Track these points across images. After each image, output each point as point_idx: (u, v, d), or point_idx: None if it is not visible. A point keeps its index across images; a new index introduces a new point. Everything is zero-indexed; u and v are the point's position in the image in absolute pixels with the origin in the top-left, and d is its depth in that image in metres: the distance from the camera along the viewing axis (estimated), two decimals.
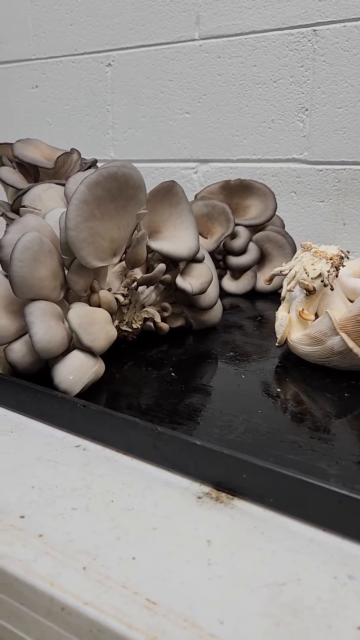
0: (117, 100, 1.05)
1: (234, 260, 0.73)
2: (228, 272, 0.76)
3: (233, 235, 0.74)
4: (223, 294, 0.75)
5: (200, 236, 0.75)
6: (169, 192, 0.51)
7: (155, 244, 0.50)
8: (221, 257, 0.75)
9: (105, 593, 0.24)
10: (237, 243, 0.73)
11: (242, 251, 0.73)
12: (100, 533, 0.28)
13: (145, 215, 0.48)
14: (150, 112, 1.02)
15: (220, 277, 0.76)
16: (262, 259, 0.75)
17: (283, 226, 0.80)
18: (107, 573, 0.25)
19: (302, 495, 0.29)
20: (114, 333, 0.45)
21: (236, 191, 0.79)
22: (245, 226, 0.75)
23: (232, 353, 0.52)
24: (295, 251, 0.75)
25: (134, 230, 0.48)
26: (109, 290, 0.48)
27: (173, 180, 0.51)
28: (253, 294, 0.75)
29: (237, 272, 0.74)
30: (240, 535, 0.28)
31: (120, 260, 0.49)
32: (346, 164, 0.86)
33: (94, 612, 0.23)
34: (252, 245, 0.74)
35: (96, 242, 0.44)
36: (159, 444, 0.34)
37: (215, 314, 0.58)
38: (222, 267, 0.76)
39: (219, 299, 0.58)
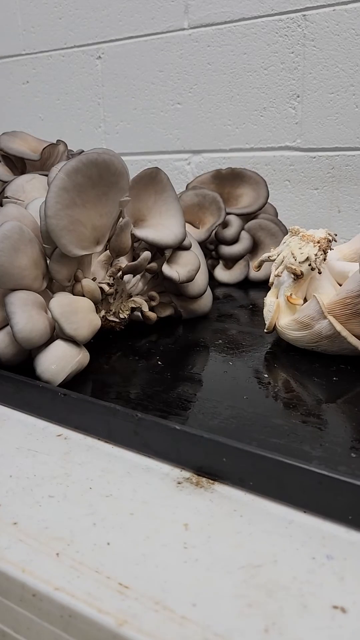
0: (108, 93, 1.05)
1: (226, 250, 0.73)
2: (220, 261, 0.75)
3: (225, 225, 0.73)
4: (216, 283, 0.74)
5: (191, 226, 0.75)
6: (153, 179, 0.51)
7: (140, 232, 0.49)
8: (213, 246, 0.74)
9: (78, 578, 0.24)
10: (229, 232, 0.72)
11: (234, 240, 0.73)
12: (76, 519, 0.28)
13: (128, 203, 0.47)
14: (142, 104, 1.01)
15: (212, 267, 0.75)
16: (254, 248, 0.74)
17: (276, 214, 0.79)
18: (81, 559, 0.25)
19: (282, 477, 0.29)
20: (97, 322, 0.44)
21: (228, 180, 0.78)
22: (237, 215, 0.74)
23: (221, 341, 0.52)
24: None
25: (117, 218, 0.47)
26: (94, 279, 0.48)
27: (157, 167, 0.51)
28: (246, 283, 0.74)
29: (230, 262, 0.74)
30: (219, 518, 0.28)
31: (105, 249, 0.48)
32: (340, 149, 0.85)
33: (64, 597, 0.23)
34: (244, 234, 0.73)
35: (77, 230, 0.43)
36: (139, 430, 0.33)
37: (205, 302, 0.57)
38: (215, 256, 0.75)
39: (208, 288, 0.57)
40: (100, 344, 0.50)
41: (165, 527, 0.27)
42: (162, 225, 0.51)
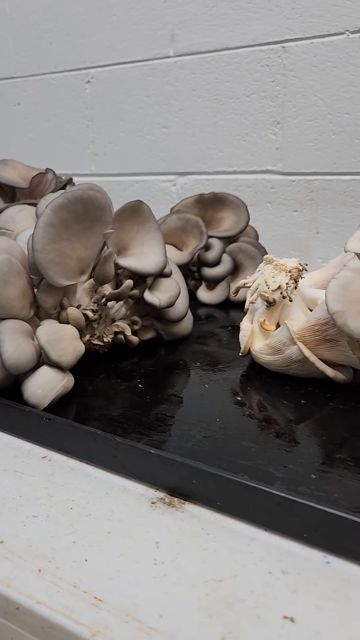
0: (96, 116, 1.08)
1: (208, 272, 0.76)
2: (203, 283, 0.78)
3: (207, 247, 0.77)
4: (198, 304, 0.77)
5: (175, 248, 0.78)
6: (135, 211, 0.54)
7: (123, 261, 0.52)
8: (196, 268, 0.78)
9: (57, 593, 0.26)
10: (211, 255, 0.76)
11: (216, 262, 0.76)
12: (58, 538, 0.30)
13: (112, 234, 0.50)
14: (129, 127, 1.05)
15: (195, 288, 0.78)
16: (235, 270, 0.77)
17: (257, 237, 0.82)
18: (61, 574, 0.28)
19: (246, 498, 0.32)
20: (81, 348, 0.47)
21: (210, 204, 0.81)
22: (219, 238, 0.77)
23: (199, 363, 0.55)
24: None
25: (101, 249, 0.50)
26: (79, 306, 0.50)
27: (139, 200, 0.54)
28: (227, 304, 0.77)
29: (212, 283, 0.77)
30: (187, 536, 0.30)
31: (89, 278, 0.51)
32: (318, 174, 0.89)
33: (45, 611, 0.25)
34: (225, 257, 0.76)
35: (63, 262, 0.46)
36: (117, 453, 0.36)
37: (186, 325, 0.60)
38: (197, 278, 0.78)
39: (189, 311, 0.60)
40: (84, 366, 0.53)
41: (138, 545, 0.30)
42: (144, 254, 0.54)
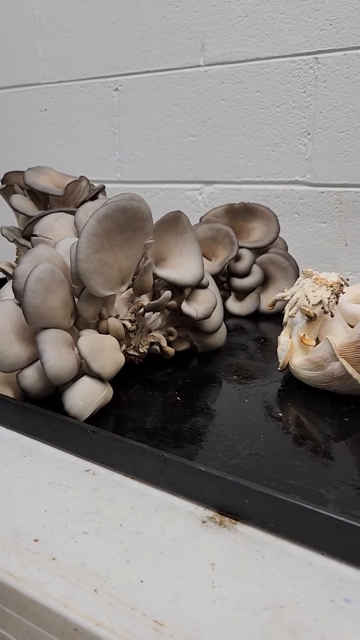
0: (124, 123, 1.08)
1: (238, 282, 0.75)
2: (232, 293, 0.77)
3: (237, 258, 0.76)
4: (227, 315, 0.76)
5: (205, 258, 0.78)
6: (175, 222, 0.53)
7: (162, 272, 0.52)
8: (225, 279, 0.77)
9: (116, 614, 0.26)
10: (241, 265, 0.75)
11: (246, 273, 0.75)
12: (111, 556, 0.30)
13: (152, 245, 0.50)
14: (156, 135, 1.05)
15: (224, 299, 0.78)
16: (265, 281, 0.77)
17: (286, 248, 0.82)
18: (117, 595, 0.27)
19: (301, 520, 0.31)
20: (122, 359, 0.46)
21: (240, 214, 0.81)
22: (249, 249, 0.77)
23: (235, 376, 0.54)
24: (298, 273, 0.77)
25: (141, 259, 0.50)
26: (117, 316, 0.50)
27: (179, 211, 0.54)
28: (257, 315, 0.76)
29: (241, 294, 0.76)
30: (243, 559, 0.30)
31: (128, 288, 0.51)
32: (347, 186, 0.88)
33: (105, 633, 0.25)
34: (255, 268, 0.75)
35: (105, 272, 0.46)
36: (165, 469, 0.36)
37: (220, 337, 0.60)
38: (227, 288, 0.77)
39: (223, 323, 0.60)
40: (119, 376, 0.52)
41: (194, 566, 0.29)
42: (181, 265, 0.54)
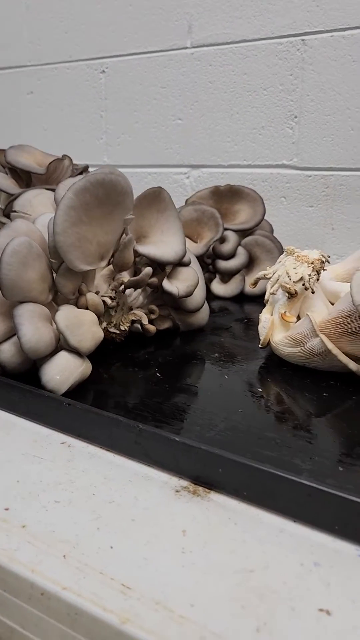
0: (110, 106, 1.07)
1: (223, 264, 0.75)
2: (217, 275, 0.77)
3: (222, 240, 0.76)
4: (212, 297, 0.76)
5: (190, 240, 0.77)
6: (156, 198, 0.53)
7: (143, 249, 0.51)
8: (210, 261, 0.77)
9: (83, 579, 0.26)
10: (226, 247, 0.75)
11: (231, 255, 0.75)
12: (81, 524, 0.29)
13: (132, 221, 0.50)
14: (143, 118, 1.04)
15: (209, 281, 0.77)
16: (250, 263, 0.76)
17: (272, 231, 0.81)
18: (86, 561, 0.27)
19: (274, 488, 0.31)
20: (100, 334, 0.46)
21: (225, 196, 0.80)
22: (234, 231, 0.76)
23: (217, 354, 0.54)
24: None
25: (121, 235, 0.49)
26: (97, 293, 0.49)
27: (160, 187, 0.53)
28: (241, 297, 0.76)
29: (226, 276, 0.76)
30: (215, 526, 0.29)
31: (108, 264, 0.50)
32: (334, 170, 0.88)
33: (71, 597, 0.25)
34: (240, 250, 0.75)
35: (83, 247, 0.45)
36: (140, 441, 0.35)
37: (202, 316, 0.59)
38: (212, 270, 0.77)
39: (205, 302, 0.60)
40: (100, 354, 0.52)
41: (165, 533, 0.29)
42: (163, 242, 0.53)
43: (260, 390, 0.45)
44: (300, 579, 0.26)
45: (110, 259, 0.49)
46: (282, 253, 0.77)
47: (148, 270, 0.51)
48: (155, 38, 0.99)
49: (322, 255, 0.51)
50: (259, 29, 0.89)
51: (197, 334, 0.60)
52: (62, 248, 0.43)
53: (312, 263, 0.50)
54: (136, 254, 0.52)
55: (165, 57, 0.99)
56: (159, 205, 0.54)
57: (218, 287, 0.76)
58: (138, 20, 1.00)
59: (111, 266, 0.51)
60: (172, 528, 0.29)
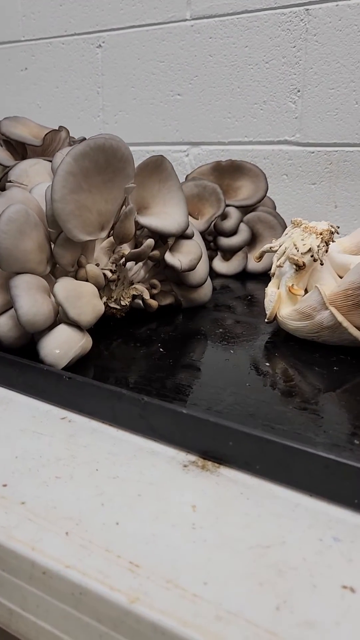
0: (107, 82, 1.04)
1: (225, 241, 0.73)
2: (219, 253, 0.75)
3: (224, 216, 0.73)
4: (214, 274, 0.74)
5: (190, 217, 0.75)
6: (157, 167, 0.51)
7: (144, 220, 0.49)
8: (212, 237, 0.74)
9: (88, 557, 0.24)
10: (228, 224, 0.73)
11: (233, 232, 0.73)
12: (84, 500, 0.28)
13: (133, 190, 0.47)
14: (141, 94, 1.01)
15: (211, 258, 0.75)
16: (253, 240, 0.74)
17: (274, 208, 0.79)
18: (90, 538, 0.25)
19: (288, 461, 0.29)
20: (101, 307, 0.44)
21: (227, 172, 0.78)
22: (236, 207, 0.74)
23: (221, 330, 0.52)
24: None
25: (122, 205, 0.47)
26: (97, 265, 0.47)
27: (161, 155, 0.51)
28: (244, 275, 0.74)
29: (228, 253, 0.74)
30: (226, 500, 0.28)
31: (109, 236, 0.48)
32: (338, 145, 0.85)
33: (76, 575, 0.23)
34: (242, 226, 0.73)
35: (83, 215, 0.43)
36: (145, 414, 0.34)
37: (205, 292, 0.57)
38: (213, 248, 0.75)
39: (208, 278, 0.58)
40: (101, 330, 0.50)
41: (173, 508, 0.27)
42: (165, 214, 0.51)
43: (267, 365, 0.44)
44: (321, 555, 0.24)
45: (110, 230, 0.47)
46: (285, 229, 0.75)
47: (150, 242, 0.49)
48: (154, 10, 0.96)
49: (331, 226, 0.49)
50: None
51: (200, 310, 0.58)
52: (61, 216, 0.41)
53: (320, 234, 0.48)
54: (137, 225, 0.50)
55: (163, 29, 0.96)
56: (160, 175, 0.51)
57: (220, 265, 0.74)
58: None
59: (111, 238, 0.48)
60: (181, 503, 0.27)
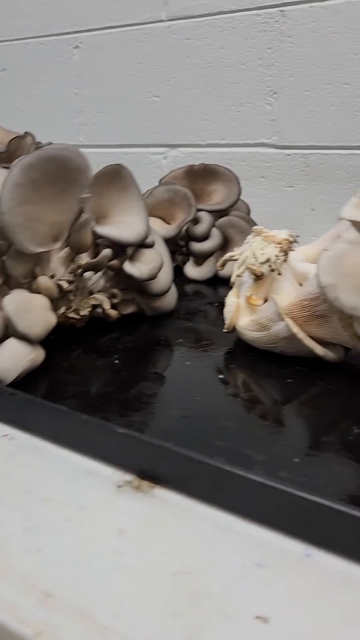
0: (85, 83, 1.03)
1: (197, 246, 0.72)
2: (191, 258, 0.74)
3: (196, 221, 0.73)
4: (185, 280, 0.74)
5: (163, 221, 0.74)
6: (115, 176, 0.50)
7: (102, 229, 0.49)
8: (184, 243, 0.74)
9: (1, 585, 0.24)
10: (200, 229, 0.72)
11: (205, 237, 0.72)
12: (9, 524, 0.27)
13: (89, 200, 0.47)
14: (119, 95, 1.00)
15: (183, 263, 0.75)
16: (225, 245, 0.74)
17: (248, 212, 0.79)
18: (8, 565, 0.25)
19: (222, 483, 0.29)
20: (52, 320, 0.44)
21: (200, 176, 0.78)
22: (209, 211, 0.73)
23: (182, 339, 0.51)
24: None
25: (78, 215, 0.47)
26: (53, 276, 0.47)
27: (120, 164, 0.50)
28: (216, 280, 0.74)
29: (200, 258, 0.73)
30: (155, 524, 0.27)
31: (65, 246, 0.48)
32: (314, 148, 0.85)
33: None
34: (214, 231, 0.73)
35: (34, 227, 0.42)
36: (84, 433, 0.33)
37: (169, 300, 0.57)
38: (185, 253, 0.75)
39: (173, 285, 0.57)
40: (60, 340, 0.50)
41: (100, 533, 0.27)
42: (124, 223, 0.51)
43: (222, 377, 0.43)
44: (240, 582, 0.24)
45: (66, 241, 0.47)
46: None
47: (106, 252, 0.48)
48: (130, 10, 0.95)
49: (290, 235, 0.48)
50: (237, 0, 0.86)
51: (165, 318, 0.58)
52: (9, 228, 0.41)
53: (279, 243, 0.48)
54: (97, 235, 0.49)
55: (140, 30, 0.95)
56: (119, 184, 0.51)
57: (192, 270, 0.73)
58: None
59: (69, 248, 0.48)
60: (108, 527, 0.27)
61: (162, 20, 0.93)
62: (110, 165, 0.50)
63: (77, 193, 0.45)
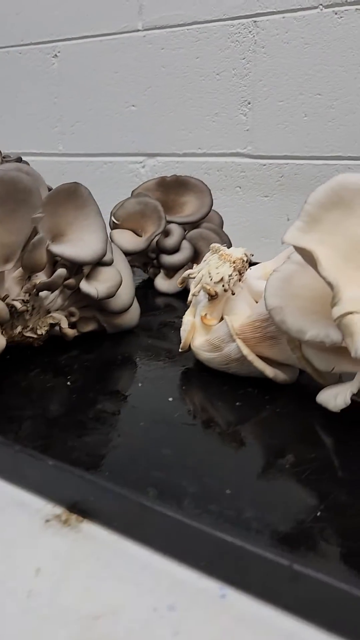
0: (63, 92, 1.03)
1: (167, 259, 0.72)
2: (161, 270, 0.74)
3: (167, 233, 0.73)
4: (156, 293, 0.73)
5: (133, 234, 0.74)
6: (72, 194, 0.50)
7: (56, 248, 0.48)
8: (155, 255, 0.74)
9: None
10: (170, 241, 0.72)
11: (175, 249, 0.72)
12: None
13: (42, 219, 0.47)
14: (97, 104, 1.00)
15: (154, 276, 0.74)
16: (196, 257, 0.73)
17: (221, 224, 0.78)
18: None
19: (144, 519, 0.28)
20: (1, 342, 0.43)
21: (172, 187, 0.77)
22: (180, 224, 0.73)
23: (139, 358, 0.51)
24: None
25: (30, 235, 0.46)
26: (6, 297, 0.47)
27: (76, 182, 0.50)
28: (187, 293, 0.73)
29: (170, 271, 0.73)
30: (74, 562, 0.27)
31: (20, 266, 0.47)
32: (288, 158, 0.84)
33: None
34: (185, 244, 0.72)
35: None
36: (17, 463, 0.33)
37: (131, 316, 0.57)
38: (156, 265, 0.74)
39: (135, 302, 0.57)
40: (18, 360, 0.49)
41: (17, 572, 0.26)
42: (81, 241, 0.50)
43: (170, 399, 0.43)
44: (148, 626, 0.24)
45: (18, 261, 0.46)
46: (229, 246, 0.74)
47: (61, 271, 0.48)
48: (107, 20, 0.95)
49: (245, 254, 0.48)
50: (210, 10, 0.85)
51: (128, 335, 0.57)
52: None
53: (233, 262, 0.47)
54: (51, 254, 0.49)
55: (117, 40, 0.95)
56: (76, 202, 0.51)
57: (162, 283, 0.73)
58: (89, 0, 0.96)
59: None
60: (25, 566, 0.27)
61: (137, 30, 0.93)
62: (66, 183, 0.49)
63: (28, 213, 0.45)
